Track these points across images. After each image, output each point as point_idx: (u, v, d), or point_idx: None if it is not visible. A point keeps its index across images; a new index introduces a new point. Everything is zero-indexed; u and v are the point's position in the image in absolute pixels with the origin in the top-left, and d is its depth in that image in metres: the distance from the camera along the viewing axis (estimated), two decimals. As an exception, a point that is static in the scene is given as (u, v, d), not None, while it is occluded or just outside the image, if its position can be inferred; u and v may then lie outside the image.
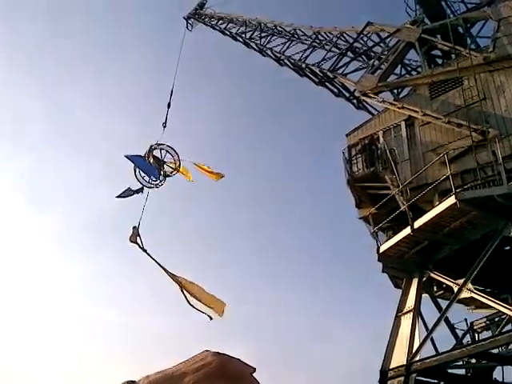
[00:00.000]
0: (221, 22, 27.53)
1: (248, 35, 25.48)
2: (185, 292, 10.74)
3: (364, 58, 21.08)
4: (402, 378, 13.90)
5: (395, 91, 19.22)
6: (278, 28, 24.40)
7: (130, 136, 42.30)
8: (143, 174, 13.28)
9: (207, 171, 13.79)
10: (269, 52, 24.21)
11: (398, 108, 17.05)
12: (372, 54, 21.07)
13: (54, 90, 54.58)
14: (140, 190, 12.65)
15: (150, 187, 13.39)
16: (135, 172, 13.41)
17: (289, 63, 23.19)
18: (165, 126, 14.66)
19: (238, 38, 25.98)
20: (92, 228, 49.88)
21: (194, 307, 10.59)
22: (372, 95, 18.12)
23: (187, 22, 28.45)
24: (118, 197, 12.54)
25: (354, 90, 20.26)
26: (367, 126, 18.16)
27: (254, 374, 0.85)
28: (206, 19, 28.51)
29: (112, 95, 56.88)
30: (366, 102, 20.29)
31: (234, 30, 26.39)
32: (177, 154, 13.78)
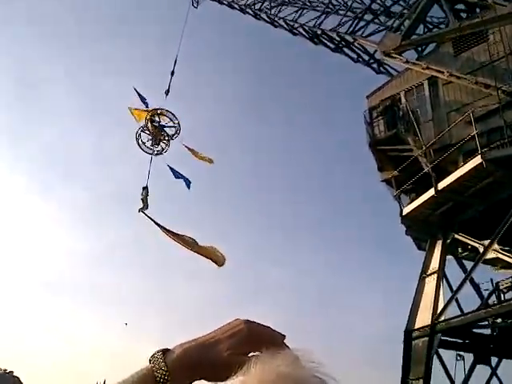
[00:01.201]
0: None
1: (257, 6, 24.61)
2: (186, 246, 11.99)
3: (383, 18, 20.26)
4: (427, 339, 14.03)
5: (419, 49, 18.50)
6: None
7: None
8: (146, 143, 14.10)
9: (199, 156, 14.24)
10: (281, 22, 23.35)
11: (423, 68, 16.45)
12: (392, 14, 20.27)
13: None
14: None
15: (156, 154, 13.98)
16: (138, 141, 13.94)
17: (303, 31, 22.44)
18: (167, 94, 15.05)
19: (248, 10, 25.06)
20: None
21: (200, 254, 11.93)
22: (395, 55, 17.51)
23: None
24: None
25: (375, 52, 19.68)
26: (388, 86, 17.69)
27: (284, 341, 0.88)
28: None
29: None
30: (387, 64, 19.73)
31: (242, 2, 25.47)
32: (176, 118, 14.18)
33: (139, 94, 14.26)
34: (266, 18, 24.20)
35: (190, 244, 12.08)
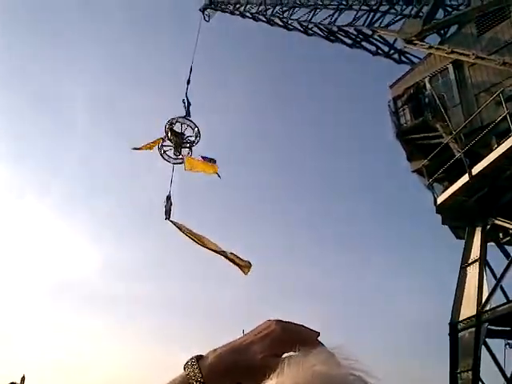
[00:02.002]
0: (238, 5, 26.50)
1: (269, 12, 24.52)
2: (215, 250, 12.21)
3: (399, 7, 19.78)
4: (474, 329, 13.56)
5: (441, 32, 17.97)
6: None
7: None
8: (168, 152, 14.22)
9: (203, 167, 14.08)
10: (295, 24, 23.11)
11: (447, 53, 15.97)
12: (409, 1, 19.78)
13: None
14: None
15: (177, 163, 14.06)
16: (160, 152, 14.12)
17: (318, 30, 22.14)
18: (185, 103, 15.13)
19: (260, 16, 24.98)
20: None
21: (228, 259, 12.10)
22: (417, 42, 17.06)
23: (203, 13, 27.45)
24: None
25: (394, 42, 19.27)
26: (411, 74, 17.28)
27: (319, 338, 0.86)
28: (223, 6, 27.57)
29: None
30: (408, 53, 19.29)
31: (253, 10, 25.40)
32: (196, 126, 14.27)
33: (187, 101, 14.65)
34: (279, 22, 24.05)
35: (218, 250, 12.20)
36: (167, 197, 13.55)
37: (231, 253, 12.22)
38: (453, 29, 17.61)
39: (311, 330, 0.86)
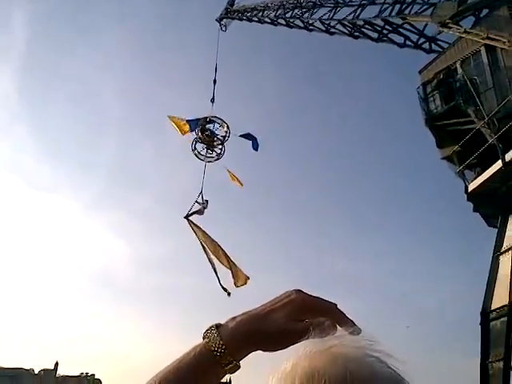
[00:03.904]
0: (256, 11, 26.13)
1: (288, 15, 24.06)
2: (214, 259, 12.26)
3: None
4: (506, 318, 13.24)
5: (476, 13, 17.34)
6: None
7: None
8: (202, 151, 14.55)
9: (234, 177, 14.47)
10: (317, 23, 22.48)
11: (483, 38, 15.43)
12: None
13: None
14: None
15: (210, 161, 14.36)
16: (193, 151, 14.49)
17: (341, 27, 21.41)
18: (213, 102, 15.44)
19: (279, 20, 24.56)
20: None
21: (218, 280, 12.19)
22: (452, 25, 16.55)
23: (220, 24, 27.25)
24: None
25: (424, 29, 18.71)
26: (441, 58, 16.82)
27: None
28: (240, 14, 27.24)
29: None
30: (439, 40, 18.71)
31: (272, 15, 24.95)
32: (226, 124, 14.57)
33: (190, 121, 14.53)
34: (300, 24, 23.49)
35: (222, 257, 12.19)
36: (202, 197, 13.54)
37: (234, 265, 12.16)
38: (483, 12, 17.03)
39: (329, 301, 0.86)
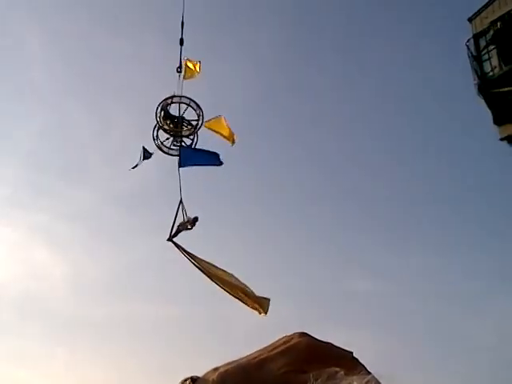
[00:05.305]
0: None
1: None
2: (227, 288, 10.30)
3: None
4: None
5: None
6: None
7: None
8: (166, 142, 11.95)
9: (223, 132, 11.82)
10: None
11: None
12: None
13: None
14: (148, 155, 11.48)
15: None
16: (156, 143, 11.83)
17: None
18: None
19: None
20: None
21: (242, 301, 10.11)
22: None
23: None
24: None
25: None
26: (499, 2, 12.70)
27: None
28: None
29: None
30: None
31: None
32: (200, 108, 11.78)
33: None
34: None
35: (231, 285, 9.83)
36: (195, 218, 11.23)
37: (246, 290, 9.73)
38: None
39: (343, 349, 0.70)
